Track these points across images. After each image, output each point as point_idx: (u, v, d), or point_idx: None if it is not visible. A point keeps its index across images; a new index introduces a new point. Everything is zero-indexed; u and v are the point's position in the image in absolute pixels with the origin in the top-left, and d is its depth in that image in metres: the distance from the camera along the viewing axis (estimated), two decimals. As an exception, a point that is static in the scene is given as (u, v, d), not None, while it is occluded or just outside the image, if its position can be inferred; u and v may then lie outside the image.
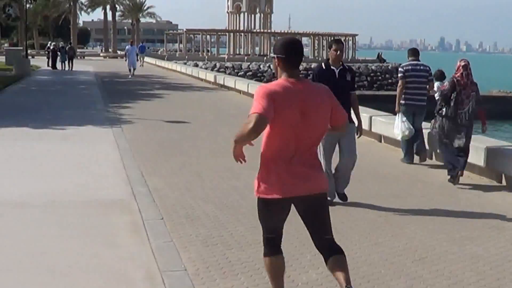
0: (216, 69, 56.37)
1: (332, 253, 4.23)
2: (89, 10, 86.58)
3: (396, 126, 10.59)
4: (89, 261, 5.69)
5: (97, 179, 9.07)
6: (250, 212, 7.02)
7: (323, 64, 7.93)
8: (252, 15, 76.42)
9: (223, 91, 27.22)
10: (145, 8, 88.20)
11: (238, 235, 6.55)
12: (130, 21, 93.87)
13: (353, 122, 7.77)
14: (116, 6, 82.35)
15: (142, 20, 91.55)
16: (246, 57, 66.43)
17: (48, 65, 44.25)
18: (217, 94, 25.78)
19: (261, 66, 59.82)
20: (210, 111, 18.91)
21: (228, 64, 60.75)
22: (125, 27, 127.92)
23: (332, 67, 7.77)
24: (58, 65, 42.11)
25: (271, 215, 4.27)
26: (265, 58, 64.31)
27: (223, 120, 16.42)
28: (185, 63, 53.51)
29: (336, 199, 7.86)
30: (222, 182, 8.97)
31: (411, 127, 10.43)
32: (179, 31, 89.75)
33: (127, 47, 36.45)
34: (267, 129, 4.02)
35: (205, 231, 6.67)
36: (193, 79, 34.54)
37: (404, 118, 10.49)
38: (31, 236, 6.40)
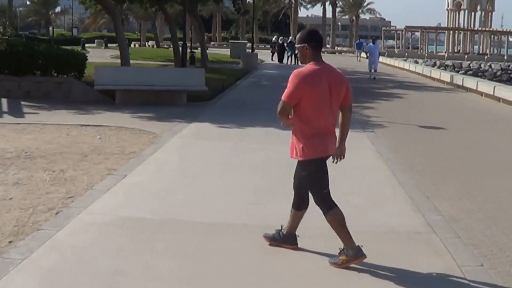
0: (436, 67, 53.40)
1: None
2: (309, 6, 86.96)
3: None
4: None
5: (375, 200, 7.60)
6: None
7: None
8: (472, 13, 71.92)
9: (461, 92, 24.85)
10: (365, 4, 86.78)
11: None
12: (346, 17, 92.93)
13: None
14: (336, 2, 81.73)
15: (361, 16, 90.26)
16: (466, 56, 62.73)
17: (272, 59, 44.33)
18: (457, 95, 23.57)
19: (482, 65, 55.89)
20: (457, 115, 16.96)
21: (448, 62, 57.58)
22: (339, 23, 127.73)
23: None
24: (283, 59, 41.94)
25: (324, 171, 5.25)
26: (485, 57, 61.53)
27: (477, 127, 14.39)
28: (405, 60, 51.18)
29: None
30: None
31: None
32: (393, 27, 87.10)
33: (368, 44, 33.95)
34: (302, 104, 5.12)
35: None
36: (422, 78, 32.42)
37: None
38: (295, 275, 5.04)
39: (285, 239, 5.64)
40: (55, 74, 17.16)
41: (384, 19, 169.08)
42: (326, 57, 29.57)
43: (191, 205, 7.09)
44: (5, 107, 15.31)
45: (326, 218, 5.26)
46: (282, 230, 5.70)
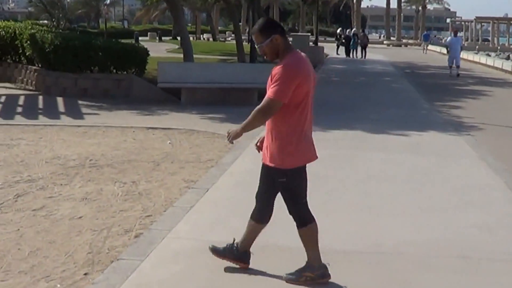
0: (510, 60, 51.47)
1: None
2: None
3: None
4: None
5: (501, 219, 6.68)
6: None
7: None
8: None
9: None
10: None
11: None
12: (410, 7, 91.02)
13: None
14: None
15: (428, 6, 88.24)
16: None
17: (337, 53, 43.36)
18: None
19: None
20: None
21: (523, 55, 55.33)
22: (402, 14, 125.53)
23: None
24: (350, 52, 40.98)
25: (304, 180, 4.84)
26: None
27: None
28: (476, 53, 49.42)
29: None
30: None
31: None
32: (458, 18, 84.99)
33: (448, 38, 32.42)
34: (292, 102, 4.53)
35: None
36: (501, 73, 31.27)
37: None
38: None
39: (238, 256, 5.11)
40: (114, 71, 16.59)
41: (449, 9, 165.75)
42: (392, 50, 29.26)
43: (290, 225, 6.28)
44: (61, 107, 14.85)
45: (299, 231, 4.88)
46: (235, 245, 5.12)
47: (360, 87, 21.91)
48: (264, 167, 4.82)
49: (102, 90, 16.21)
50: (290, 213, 4.90)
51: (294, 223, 4.96)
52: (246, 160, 9.28)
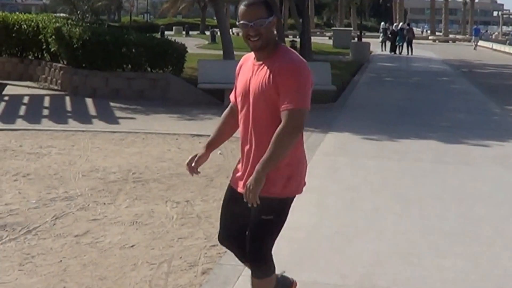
0: None
1: None
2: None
3: None
4: None
5: None
6: None
7: None
8: None
9: None
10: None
11: None
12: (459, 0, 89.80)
13: None
14: (448, -18, 78.90)
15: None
16: None
17: (382, 49, 42.61)
18: None
19: None
20: None
21: None
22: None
23: None
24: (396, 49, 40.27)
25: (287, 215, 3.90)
26: None
27: None
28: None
29: None
30: None
31: None
32: (506, 11, 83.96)
33: None
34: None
35: None
36: None
37: None
38: None
39: None
40: (149, 69, 15.99)
41: (496, 1, 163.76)
42: (439, 46, 28.63)
43: (391, 259, 5.59)
44: (92, 110, 14.27)
45: (254, 281, 3.99)
46: None
47: (417, 88, 21.14)
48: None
49: (136, 91, 15.61)
50: (254, 260, 3.96)
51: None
52: (313, 176, 8.56)
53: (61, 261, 5.58)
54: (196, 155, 4.05)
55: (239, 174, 3.95)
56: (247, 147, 3.84)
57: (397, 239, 6.24)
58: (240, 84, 3.89)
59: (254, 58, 3.82)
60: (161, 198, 7.60)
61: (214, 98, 15.09)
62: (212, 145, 4.09)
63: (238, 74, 3.97)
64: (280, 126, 3.62)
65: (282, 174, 3.75)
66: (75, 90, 15.95)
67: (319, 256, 5.72)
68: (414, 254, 5.86)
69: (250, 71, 3.81)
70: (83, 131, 11.57)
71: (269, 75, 3.68)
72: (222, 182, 8.29)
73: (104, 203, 7.29)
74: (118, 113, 13.80)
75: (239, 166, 3.98)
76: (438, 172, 9.14)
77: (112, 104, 14.84)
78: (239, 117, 3.91)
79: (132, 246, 6.01)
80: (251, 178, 3.66)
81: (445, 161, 9.87)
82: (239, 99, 3.90)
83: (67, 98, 15.64)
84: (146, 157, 9.72)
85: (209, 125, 12.48)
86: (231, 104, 4.09)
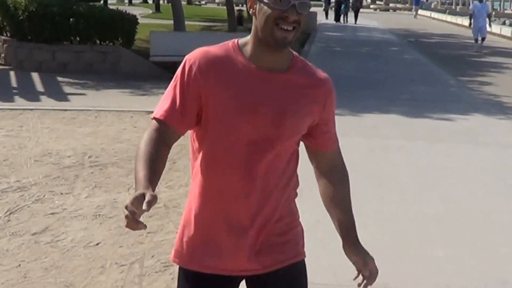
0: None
1: None
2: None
3: None
4: None
5: None
6: None
7: None
8: None
9: None
10: None
11: None
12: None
13: None
14: None
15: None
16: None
17: (326, 18, 42.35)
18: None
19: None
20: None
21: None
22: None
23: None
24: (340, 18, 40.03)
25: None
26: None
27: None
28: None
29: None
30: None
31: None
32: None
33: (471, 5, 29.78)
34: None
35: None
36: (510, 42, 30.35)
37: None
38: None
39: None
40: (98, 42, 15.14)
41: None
42: (381, 15, 28.62)
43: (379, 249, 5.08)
44: (39, 86, 13.40)
45: None
46: None
47: (369, 58, 20.75)
48: (290, 268, 2.44)
49: (85, 65, 14.78)
50: None
51: None
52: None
53: (19, 265, 4.93)
54: (139, 196, 1.98)
55: (229, 247, 2.36)
56: (247, 201, 2.32)
57: (381, 227, 5.76)
58: (238, 102, 2.26)
59: (253, 64, 2.29)
60: (122, 185, 6.96)
61: (166, 71, 14.37)
62: (153, 184, 2.17)
63: (198, 82, 2.27)
64: (340, 173, 2.55)
65: (300, 229, 2.59)
66: (20, 64, 15.02)
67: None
68: (404, 243, 5.39)
69: (256, 85, 2.28)
70: (31, 109, 10.75)
71: (309, 100, 2.35)
72: (186, 165, 7.67)
73: (62, 193, 6.61)
74: (67, 89, 12.98)
75: (208, 234, 2.38)
76: (410, 150, 8.72)
77: (60, 79, 13.99)
78: (220, 157, 2.32)
79: (97, 244, 5.38)
80: (369, 257, 2.52)
81: (414, 137, 9.47)
82: (229, 127, 2.27)
83: (12, 73, 14.70)
84: (101, 138, 9.03)
85: (165, 101, 11.82)
86: (159, 127, 2.29)
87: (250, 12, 2.30)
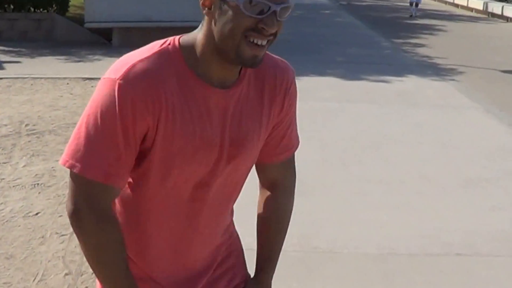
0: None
1: None
2: None
3: None
4: None
5: None
6: None
7: None
8: None
9: (502, 22, 23.22)
10: None
11: None
12: None
13: None
14: None
15: None
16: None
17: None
18: (498, 26, 21.86)
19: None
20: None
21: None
22: None
23: None
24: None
25: None
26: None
27: None
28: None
29: None
30: None
31: None
32: None
33: None
34: None
35: None
36: (441, 4, 30.72)
37: None
38: None
39: None
40: (32, 9, 14.68)
41: None
42: None
43: (328, 217, 5.08)
44: (-28, 54, 12.92)
45: None
46: None
47: (302, 22, 20.59)
48: None
49: (19, 32, 14.29)
50: None
51: None
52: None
53: (-44, 237, 4.75)
54: None
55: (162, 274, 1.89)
56: (184, 229, 1.84)
57: (324, 191, 5.74)
58: (195, 138, 1.69)
59: (203, 80, 1.69)
60: (60, 153, 6.75)
61: (102, 37, 14.04)
62: None
63: (146, 121, 1.62)
64: (284, 185, 2.06)
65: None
66: (-50, 32, 14.46)
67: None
68: (346, 207, 5.39)
69: (212, 111, 1.72)
70: (-36, 78, 10.37)
71: (267, 108, 1.87)
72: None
73: (-1, 163, 6.39)
74: (1, 57, 12.54)
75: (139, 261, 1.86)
76: (348, 113, 8.72)
77: (-6, 47, 13.52)
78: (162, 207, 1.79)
79: (36, 214, 5.23)
80: None
81: (351, 99, 9.47)
82: (178, 162, 1.70)
83: None
84: (37, 105, 8.76)
85: (98, 66, 11.55)
86: (99, 195, 1.63)
87: (204, 11, 1.64)
